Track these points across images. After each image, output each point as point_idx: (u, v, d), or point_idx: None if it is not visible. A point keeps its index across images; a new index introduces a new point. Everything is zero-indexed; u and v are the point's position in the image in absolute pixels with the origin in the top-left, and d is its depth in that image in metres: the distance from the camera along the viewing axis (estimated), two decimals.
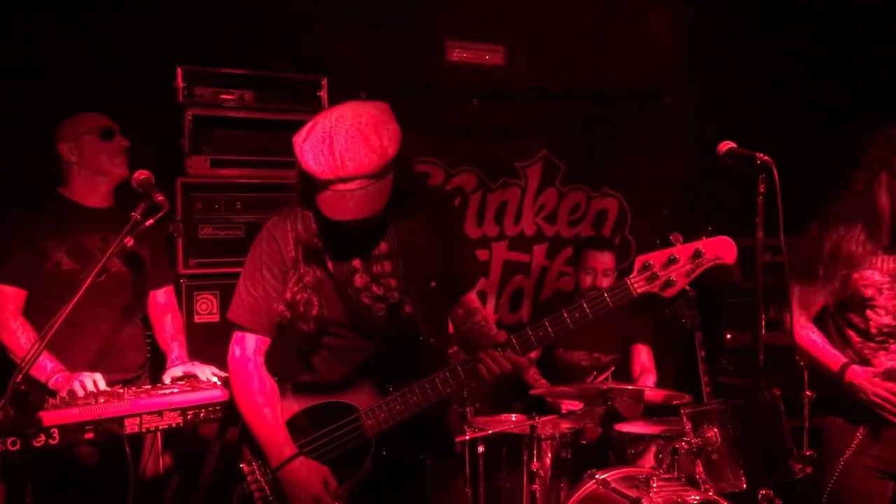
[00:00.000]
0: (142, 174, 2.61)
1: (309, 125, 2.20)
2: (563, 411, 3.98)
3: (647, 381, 4.25)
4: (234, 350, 2.41)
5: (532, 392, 3.83)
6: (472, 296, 2.54)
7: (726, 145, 2.36)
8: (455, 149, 4.74)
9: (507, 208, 4.93)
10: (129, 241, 2.54)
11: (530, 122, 4.91)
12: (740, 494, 3.33)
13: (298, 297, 2.31)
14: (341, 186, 2.13)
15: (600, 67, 4.93)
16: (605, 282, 4.20)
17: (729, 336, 4.81)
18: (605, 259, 4.25)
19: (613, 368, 4.13)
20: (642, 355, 4.37)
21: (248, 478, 2.36)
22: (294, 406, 2.39)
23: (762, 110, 4.77)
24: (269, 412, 2.34)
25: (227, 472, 2.41)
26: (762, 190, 2.23)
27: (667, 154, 5.09)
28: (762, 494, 3.37)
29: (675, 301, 4.29)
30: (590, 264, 4.24)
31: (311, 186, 2.19)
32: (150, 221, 2.56)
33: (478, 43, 4.76)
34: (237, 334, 2.42)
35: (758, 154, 2.25)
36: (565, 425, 3.77)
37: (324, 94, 3.85)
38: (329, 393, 2.36)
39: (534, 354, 4.12)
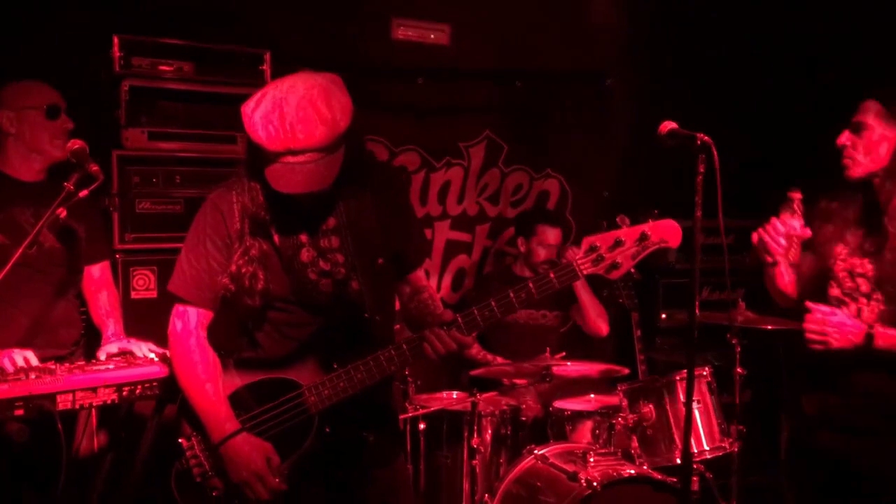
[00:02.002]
0: (75, 143, 2.53)
1: (259, 94, 2.15)
2: (507, 383, 4.02)
3: (603, 325, 4.33)
4: (176, 324, 2.36)
5: (473, 372, 3.86)
6: (420, 273, 2.54)
7: (667, 126, 2.37)
8: (399, 128, 4.72)
9: (451, 188, 4.94)
10: (62, 213, 2.47)
11: (474, 102, 4.92)
12: (673, 468, 3.43)
13: (244, 270, 2.27)
14: (291, 159, 2.09)
15: (545, 49, 4.95)
16: (554, 255, 4.31)
17: (664, 316, 4.93)
18: (557, 234, 4.36)
19: (565, 353, 4.18)
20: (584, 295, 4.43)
21: (187, 453, 2.33)
22: (237, 381, 2.36)
23: (705, 93, 4.84)
24: (211, 387, 2.31)
25: (165, 448, 2.38)
26: (702, 170, 2.26)
27: (609, 136, 5.15)
28: (694, 468, 3.50)
29: (615, 282, 4.38)
30: (545, 239, 4.32)
31: (259, 158, 2.15)
32: (83, 192, 2.48)
33: (423, 21, 4.74)
34: (178, 307, 2.37)
35: (698, 134, 2.27)
36: (505, 402, 3.82)
37: (266, 68, 3.79)
38: (272, 369, 2.34)
39: None
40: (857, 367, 2.45)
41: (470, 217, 5.00)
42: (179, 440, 2.34)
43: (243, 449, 2.25)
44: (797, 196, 2.60)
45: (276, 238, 2.31)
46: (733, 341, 3.75)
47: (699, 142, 2.27)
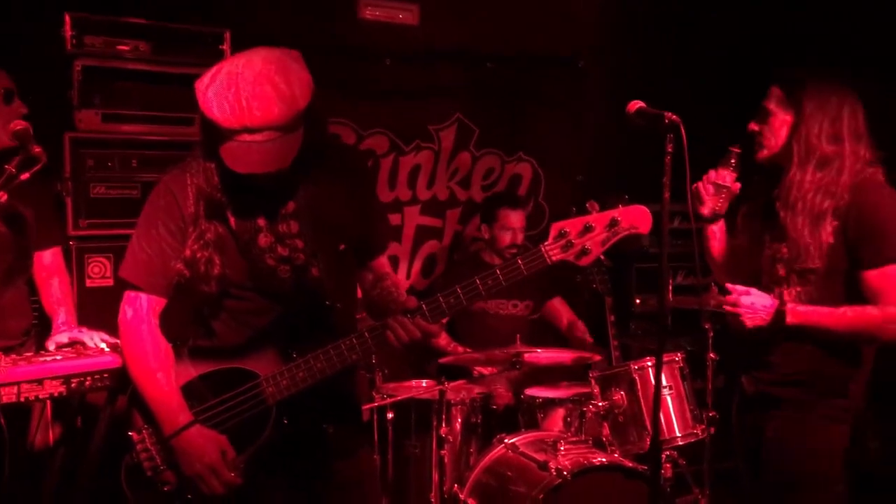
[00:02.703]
0: (18, 125, 2.43)
1: (213, 70, 2.05)
2: (475, 374, 3.96)
3: (579, 329, 4.33)
4: (126, 311, 2.27)
5: (442, 361, 3.79)
6: (383, 260, 2.47)
7: (635, 105, 2.33)
8: (367, 110, 4.61)
9: (420, 172, 4.85)
10: (3, 197, 2.36)
11: (444, 85, 4.82)
12: (644, 455, 3.38)
13: (199, 255, 2.18)
14: (247, 137, 2.00)
15: (516, 31, 4.86)
16: (519, 238, 4.26)
17: (638, 301, 4.88)
18: (520, 217, 4.29)
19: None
20: (563, 308, 4.46)
21: (138, 446, 2.24)
22: (191, 371, 2.27)
23: (679, 77, 4.79)
24: (163, 377, 2.22)
25: (116, 441, 2.29)
26: (670, 150, 2.20)
27: (582, 120, 5.08)
28: (667, 455, 3.46)
29: (588, 267, 4.33)
30: (507, 223, 4.25)
31: (214, 136, 2.05)
32: (25, 175, 2.38)
33: (391, 1, 4.62)
34: (129, 294, 2.27)
35: (666, 113, 2.21)
36: (476, 390, 3.76)
37: (227, 48, 3.67)
38: (229, 358, 2.25)
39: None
40: (779, 344, 2.52)
41: (440, 202, 4.91)
42: (130, 433, 2.25)
43: (196, 441, 2.17)
44: (736, 150, 2.66)
45: (232, 222, 2.22)
46: (706, 326, 3.72)
47: (667, 121, 2.21)
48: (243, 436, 2.20)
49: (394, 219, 4.75)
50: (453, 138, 4.90)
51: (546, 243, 2.12)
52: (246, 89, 1.98)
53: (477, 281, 2.13)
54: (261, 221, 2.23)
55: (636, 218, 2.12)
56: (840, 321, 2.41)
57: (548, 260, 2.12)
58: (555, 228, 2.12)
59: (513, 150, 5.06)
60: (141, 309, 2.26)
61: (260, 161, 2.02)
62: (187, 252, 2.19)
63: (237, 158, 2.02)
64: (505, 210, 4.28)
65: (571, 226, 2.11)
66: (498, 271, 2.12)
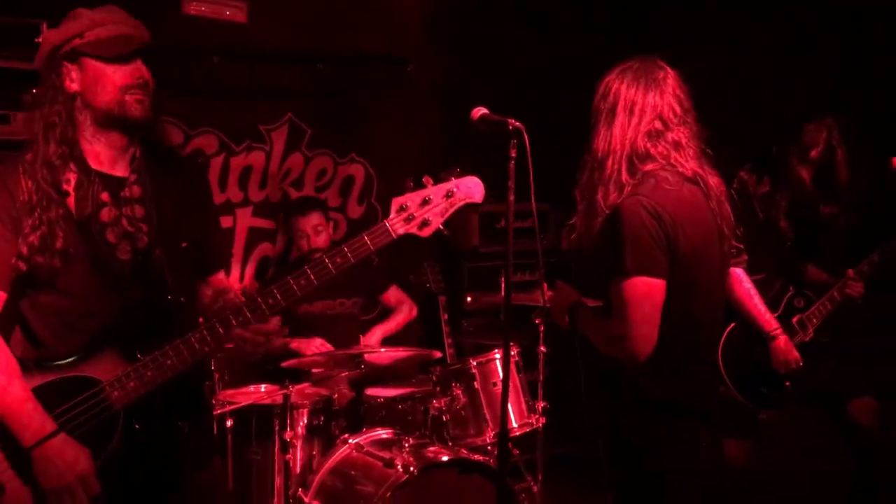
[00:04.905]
0: None
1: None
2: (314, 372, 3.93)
3: (406, 311, 4.38)
4: None
5: (283, 364, 3.73)
6: (222, 276, 2.45)
7: (479, 111, 2.39)
8: (194, 109, 4.46)
9: (252, 173, 4.75)
10: None
11: (275, 84, 4.76)
12: (484, 447, 3.51)
13: (40, 231, 2.08)
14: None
15: (348, 31, 4.87)
16: (321, 239, 4.19)
17: (469, 299, 5.03)
18: (313, 219, 4.22)
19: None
20: (392, 292, 4.49)
21: None
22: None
23: (516, 77, 4.94)
24: (17, 384, 2.06)
25: None
26: (513, 155, 2.29)
27: (413, 121, 5.15)
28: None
29: (419, 267, 4.42)
30: (302, 228, 4.20)
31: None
32: None
33: None
34: None
35: (509, 120, 2.30)
36: (318, 392, 3.74)
37: None
38: (62, 368, 2.12)
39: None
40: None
41: (273, 203, 4.84)
42: None
43: (66, 451, 2.04)
44: None
45: (72, 198, 2.14)
46: (537, 321, 3.90)
47: (511, 127, 2.30)
48: (90, 446, 2.08)
49: (225, 221, 4.63)
50: (285, 139, 4.84)
51: (389, 218, 2.19)
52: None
53: (325, 259, 2.14)
54: (105, 197, 2.17)
55: (470, 188, 2.24)
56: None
57: (393, 234, 2.18)
58: (395, 203, 2.20)
59: (345, 151, 5.06)
60: None
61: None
62: (26, 230, 2.08)
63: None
64: (296, 217, 4.24)
65: (411, 199, 2.20)
66: (345, 248, 2.15)
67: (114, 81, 2.15)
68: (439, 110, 5.07)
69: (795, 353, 3.34)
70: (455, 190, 2.22)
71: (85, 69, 2.15)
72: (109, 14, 2.20)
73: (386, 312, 4.52)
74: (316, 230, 4.20)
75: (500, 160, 2.35)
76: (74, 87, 2.15)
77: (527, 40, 5.18)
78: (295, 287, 2.13)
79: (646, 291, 2.22)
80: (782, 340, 3.33)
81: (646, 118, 2.32)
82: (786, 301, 3.40)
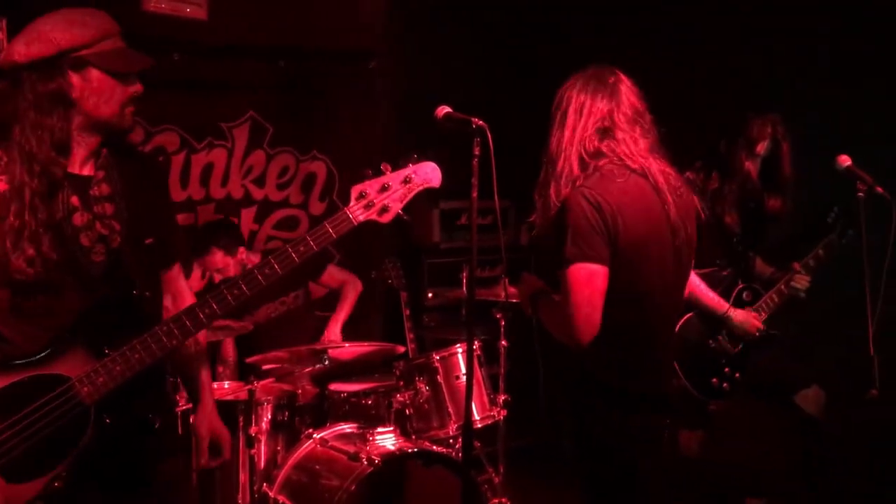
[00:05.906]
0: None
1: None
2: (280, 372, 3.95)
3: (353, 288, 4.36)
4: None
5: (248, 360, 3.75)
6: (177, 269, 2.45)
7: (443, 110, 2.44)
8: (155, 106, 4.40)
9: (214, 170, 4.75)
10: None
11: (236, 81, 4.76)
12: (447, 439, 3.57)
13: (12, 223, 2.06)
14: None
15: (309, 28, 4.88)
16: (230, 272, 4.08)
17: (430, 294, 5.09)
18: (217, 260, 4.09)
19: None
20: (330, 272, 4.41)
21: None
22: None
23: (476, 76, 5.00)
24: None
25: None
26: (477, 153, 2.35)
27: (374, 119, 5.18)
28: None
29: (382, 264, 4.46)
30: (208, 267, 4.13)
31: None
32: None
33: None
34: None
35: (473, 118, 2.35)
36: (282, 388, 3.76)
37: (3, 36, 3.43)
38: (29, 367, 2.10)
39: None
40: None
41: (235, 200, 4.84)
42: None
43: None
44: None
45: (41, 205, 2.10)
46: (498, 316, 3.96)
47: (474, 125, 2.35)
48: (62, 443, 2.08)
49: (187, 218, 4.62)
50: (247, 136, 4.84)
51: (349, 206, 2.22)
52: None
53: (289, 248, 2.17)
54: (75, 201, 2.16)
55: (427, 174, 2.29)
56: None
57: (354, 221, 2.21)
58: (355, 191, 2.24)
59: (307, 149, 5.08)
60: None
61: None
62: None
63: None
64: (215, 250, 4.09)
65: (370, 187, 2.24)
66: (308, 237, 2.17)
67: (119, 97, 2.15)
68: (401, 107, 5.10)
69: (757, 321, 3.40)
70: (413, 176, 2.27)
71: (89, 79, 2.13)
72: (111, 24, 2.20)
73: (334, 298, 4.49)
74: (221, 272, 4.09)
75: (462, 157, 2.41)
76: (75, 94, 2.14)
77: (488, 39, 5.24)
78: (259, 277, 2.16)
79: (586, 276, 2.28)
80: (739, 313, 3.40)
81: (594, 117, 2.40)
82: (735, 294, 3.49)
